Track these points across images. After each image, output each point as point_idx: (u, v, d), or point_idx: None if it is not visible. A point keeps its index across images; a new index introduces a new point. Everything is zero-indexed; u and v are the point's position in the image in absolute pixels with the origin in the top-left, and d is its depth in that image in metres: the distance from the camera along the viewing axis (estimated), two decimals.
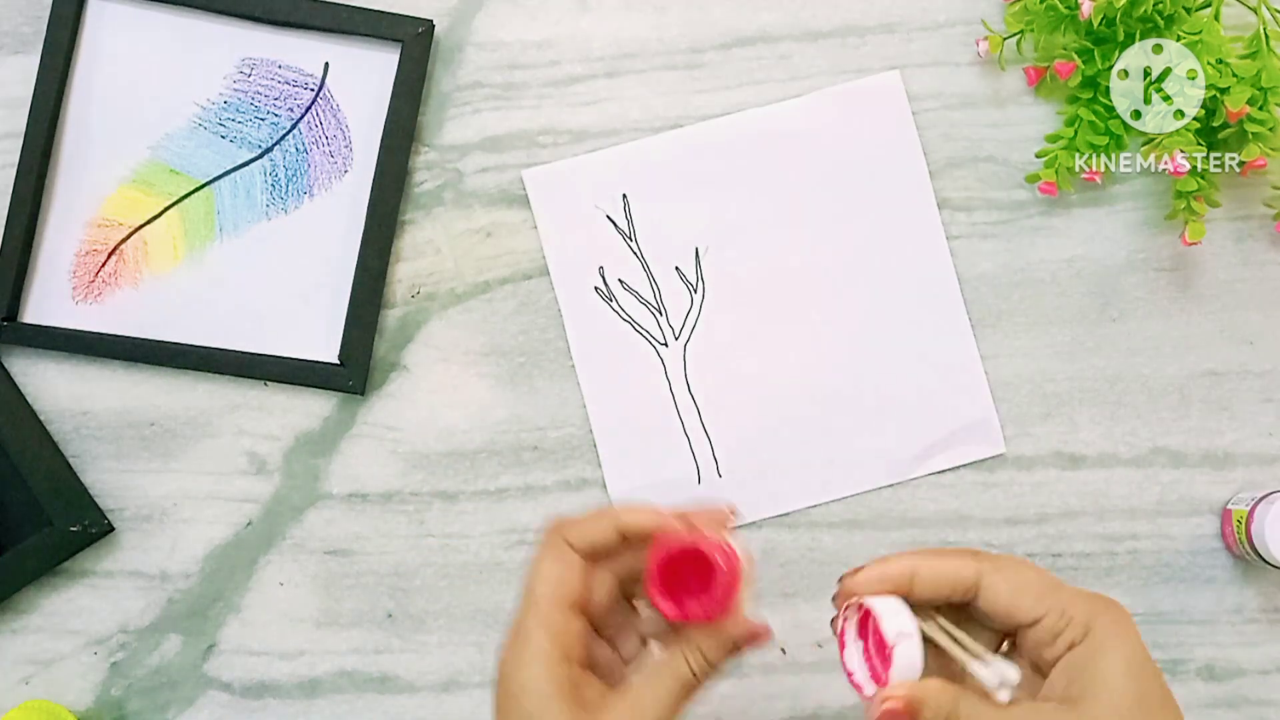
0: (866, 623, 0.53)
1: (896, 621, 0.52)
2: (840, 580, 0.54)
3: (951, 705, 0.50)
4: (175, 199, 0.81)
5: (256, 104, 0.81)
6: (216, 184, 0.81)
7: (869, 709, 0.52)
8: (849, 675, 0.53)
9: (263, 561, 0.80)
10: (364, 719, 0.80)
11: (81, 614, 0.80)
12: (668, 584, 0.54)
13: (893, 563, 0.53)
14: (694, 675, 0.52)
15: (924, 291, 0.80)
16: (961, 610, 0.55)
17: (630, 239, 0.80)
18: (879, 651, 0.52)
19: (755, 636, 0.54)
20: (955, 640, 0.53)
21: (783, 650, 0.79)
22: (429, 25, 0.79)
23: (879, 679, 0.52)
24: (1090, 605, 0.51)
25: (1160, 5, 0.74)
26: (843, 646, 0.54)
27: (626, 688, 0.53)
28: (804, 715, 0.79)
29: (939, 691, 0.50)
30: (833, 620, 0.55)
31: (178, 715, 0.80)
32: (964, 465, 0.79)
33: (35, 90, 0.79)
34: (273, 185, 0.81)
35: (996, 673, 0.52)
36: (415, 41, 0.79)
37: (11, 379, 0.80)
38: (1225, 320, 0.80)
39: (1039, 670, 0.53)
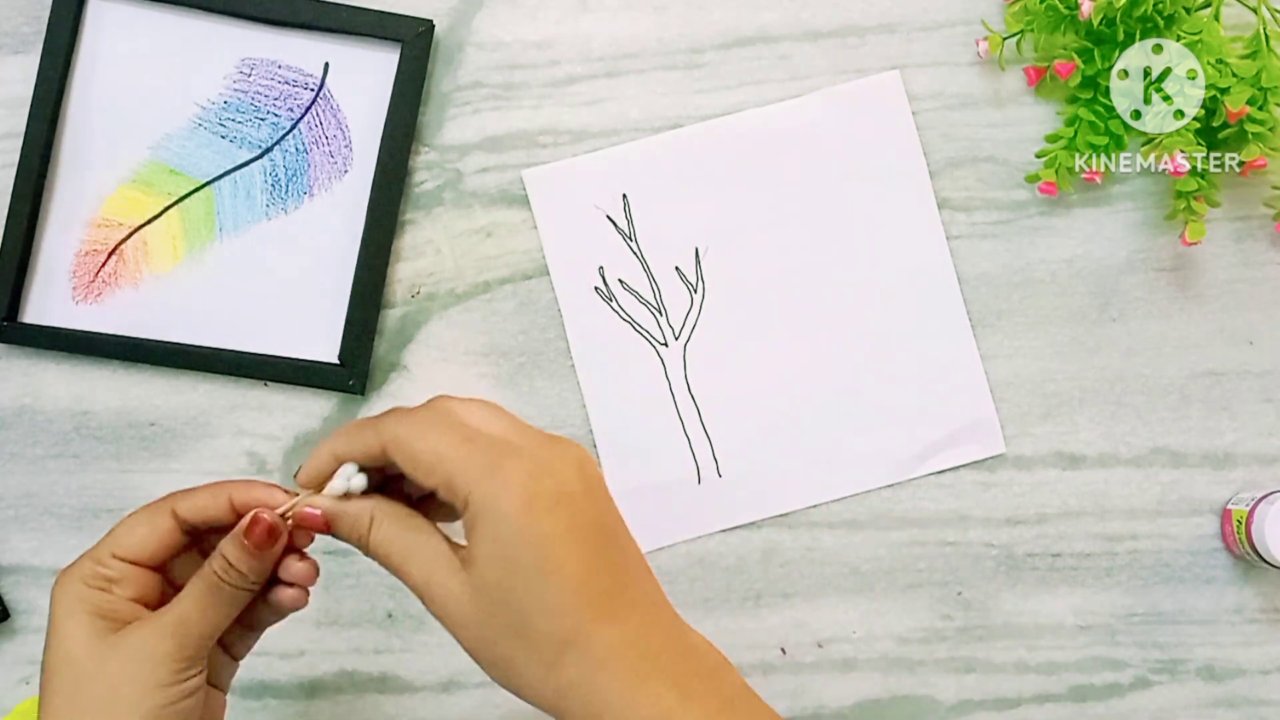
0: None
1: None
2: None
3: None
4: (175, 199, 0.81)
5: (256, 104, 0.81)
6: (216, 184, 0.81)
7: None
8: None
9: None
10: (364, 719, 0.80)
11: None
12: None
13: (317, 455, 0.56)
14: (216, 575, 0.55)
15: (924, 291, 0.80)
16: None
17: (630, 239, 0.80)
18: None
19: (266, 532, 0.56)
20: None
21: (783, 650, 0.79)
22: (429, 25, 0.79)
23: None
24: (470, 474, 0.51)
25: (1160, 5, 0.74)
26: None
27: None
28: (804, 715, 0.79)
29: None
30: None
31: None
32: (964, 465, 0.80)
33: (35, 90, 0.79)
34: (273, 185, 0.81)
35: (344, 476, 0.55)
36: (415, 41, 0.79)
37: None
38: (1225, 320, 0.80)
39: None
